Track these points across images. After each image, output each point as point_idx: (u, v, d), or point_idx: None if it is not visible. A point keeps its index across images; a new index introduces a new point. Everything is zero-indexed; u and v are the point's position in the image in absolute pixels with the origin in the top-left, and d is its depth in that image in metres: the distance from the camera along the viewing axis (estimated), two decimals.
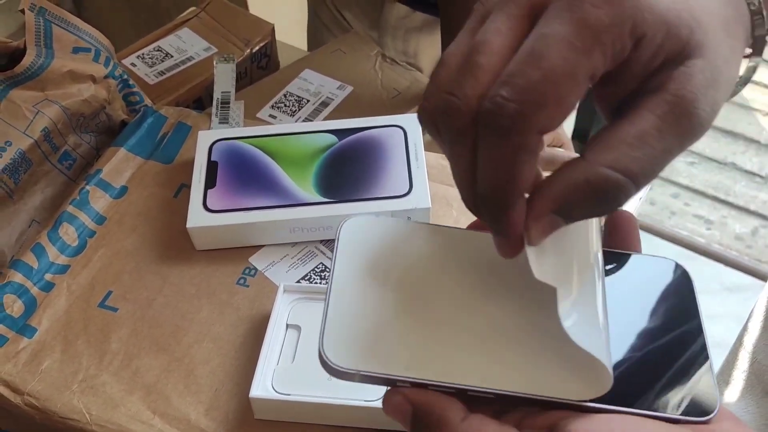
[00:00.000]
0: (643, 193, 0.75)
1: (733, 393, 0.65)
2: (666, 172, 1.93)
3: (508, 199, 0.28)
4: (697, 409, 0.30)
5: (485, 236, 0.33)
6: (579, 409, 0.29)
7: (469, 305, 0.33)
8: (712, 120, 0.29)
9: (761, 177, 1.93)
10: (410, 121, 0.65)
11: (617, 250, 0.35)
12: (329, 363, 0.30)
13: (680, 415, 0.29)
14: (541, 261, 0.30)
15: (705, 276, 1.67)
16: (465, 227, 0.37)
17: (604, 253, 0.33)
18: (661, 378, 0.31)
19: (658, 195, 1.90)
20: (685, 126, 0.28)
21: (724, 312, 1.39)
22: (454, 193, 0.64)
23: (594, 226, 0.33)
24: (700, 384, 0.31)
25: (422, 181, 0.60)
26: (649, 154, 0.27)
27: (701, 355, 0.32)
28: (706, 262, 1.70)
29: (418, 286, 0.33)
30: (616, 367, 0.31)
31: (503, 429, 0.27)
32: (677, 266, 0.35)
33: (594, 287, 0.32)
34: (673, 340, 0.32)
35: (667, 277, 0.35)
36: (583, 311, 0.30)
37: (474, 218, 0.33)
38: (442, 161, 0.67)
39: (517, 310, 0.33)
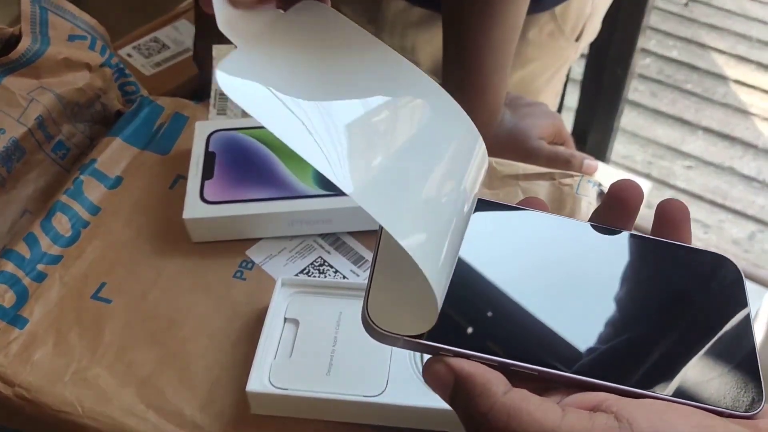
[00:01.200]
0: (646, 192, 0.75)
1: (763, 379, 0.65)
2: (664, 175, 1.93)
3: None
4: (743, 404, 0.30)
5: (545, 216, 0.35)
6: (623, 393, 0.29)
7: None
8: None
9: (759, 182, 1.93)
10: None
11: (667, 240, 0.35)
12: (373, 325, 0.30)
13: (725, 408, 0.29)
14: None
15: (749, 295, 1.66)
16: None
17: (656, 243, 0.34)
18: (708, 370, 0.31)
19: (655, 198, 1.89)
20: None
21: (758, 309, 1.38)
22: None
23: (474, 171, 0.35)
24: (746, 378, 0.31)
25: None
26: None
27: (748, 350, 0.32)
28: None
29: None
30: (664, 356, 0.31)
31: (545, 404, 0.27)
32: (728, 261, 0.35)
33: (450, 223, 0.33)
34: (720, 334, 0.32)
35: (717, 272, 0.35)
36: (431, 239, 0.31)
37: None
38: None
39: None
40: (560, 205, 0.61)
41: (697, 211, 1.86)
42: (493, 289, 0.33)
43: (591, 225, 0.35)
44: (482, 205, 0.36)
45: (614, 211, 0.34)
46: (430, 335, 0.30)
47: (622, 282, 0.34)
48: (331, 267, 0.58)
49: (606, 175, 0.75)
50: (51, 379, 0.50)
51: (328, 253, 0.59)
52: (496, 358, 0.30)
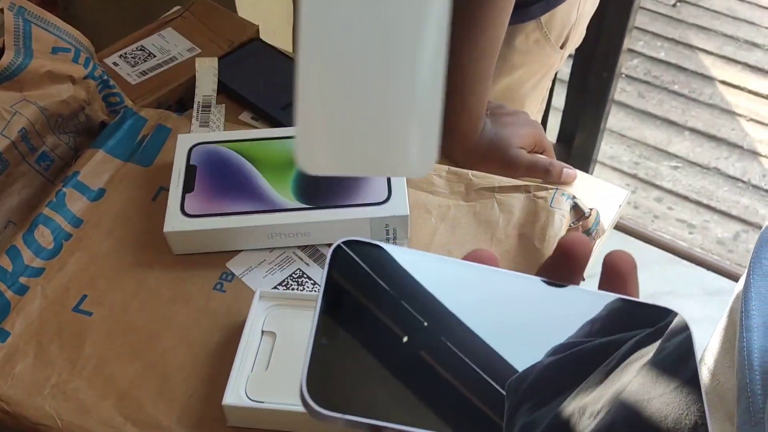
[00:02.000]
0: (623, 201, 0.76)
1: None
2: (650, 176, 1.94)
3: None
4: None
5: (487, 270, 0.33)
6: None
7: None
8: None
9: (744, 182, 1.94)
10: None
11: (612, 294, 0.33)
12: (311, 406, 0.27)
13: None
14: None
15: (686, 280, 1.68)
16: (459, 255, 0.35)
17: (599, 296, 0.33)
18: None
19: (641, 199, 1.91)
20: None
21: (705, 316, 1.40)
22: (434, 200, 0.65)
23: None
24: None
25: (401, 189, 0.60)
26: None
27: (696, 410, 0.29)
28: (688, 266, 1.71)
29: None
30: (607, 419, 0.29)
31: None
32: (674, 315, 0.33)
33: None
34: (666, 394, 0.30)
35: (664, 327, 0.32)
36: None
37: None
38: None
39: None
40: (534, 217, 0.62)
41: (682, 212, 1.88)
42: (431, 356, 0.30)
43: (534, 279, 0.33)
44: (424, 260, 0.33)
45: (562, 266, 0.33)
46: (378, 413, 0.27)
47: (563, 339, 0.31)
48: (310, 279, 0.59)
49: (585, 184, 0.76)
50: (31, 392, 0.51)
51: (307, 265, 0.60)
52: None
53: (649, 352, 0.31)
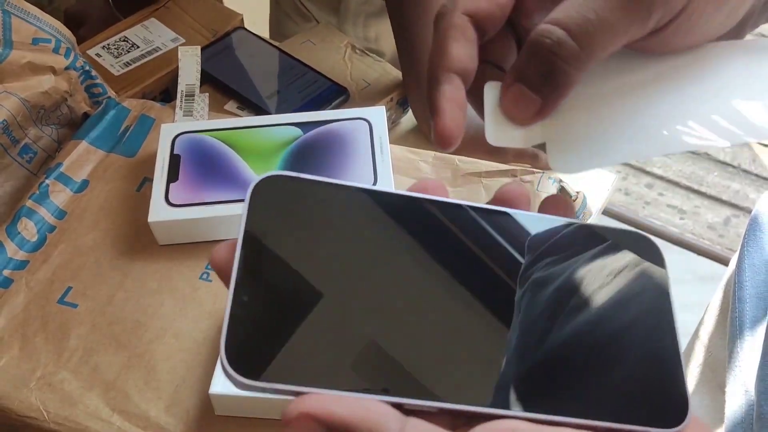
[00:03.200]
0: (611, 185, 0.76)
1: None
2: (640, 162, 1.94)
3: (436, 73, 0.30)
4: (665, 418, 0.26)
5: (430, 200, 0.29)
6: (534, 421, 0.25)
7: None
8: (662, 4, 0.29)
9: (734, 167, 1.95)
10: (375, 113, 0.64)
11: (577, 221, 0.31)
12: (232, 375, 0.24)
13: (644, 425, 0.26)
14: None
15: (678, 265, 1.69)
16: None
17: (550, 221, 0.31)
18: (622, 381, 0.27)
19: (632, 185, 1.91)
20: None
21: (697, 301, 1.40)
22: None
23: None
24: (668, 388, 0.27)
25: (387, 174, 0.60)
26: (584, 12, 0.29)
27: (671, 355, 0.28)
28: (680, 252, 1.72)
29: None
30: (573, 374, 0.27)
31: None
32: (648, 241, 0.31)
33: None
34: (639, 337, 0.28)
35: (637, 257, 0.30)
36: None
37: None
38: (408, 154, 0.66)
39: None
40: None
41: (673, 197, 1.88)
42: (373, 313, 0.27)
43: (480, 206, 0.30)
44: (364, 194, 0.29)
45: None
46: (302, 378, 0.24)
47: (523, 293, 0.29)
48: None
49: None
50: (16, 384, 0.51)
51: None
52: (387, 398, 0.25)
53: (619, 284, 0.29)
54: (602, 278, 0.29)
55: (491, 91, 0.32)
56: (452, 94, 0.31)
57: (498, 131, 0.32)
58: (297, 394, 0.24)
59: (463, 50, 0.31)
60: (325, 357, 0.25)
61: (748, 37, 0.36)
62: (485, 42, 0.33)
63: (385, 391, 0.25)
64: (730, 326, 0.61)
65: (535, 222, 0.30)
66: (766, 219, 0.61)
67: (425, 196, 0.30)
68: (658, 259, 0.30)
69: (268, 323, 0.25)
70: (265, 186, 0.27)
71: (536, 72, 0.30)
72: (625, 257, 0.30)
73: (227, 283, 0.26)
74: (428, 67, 0.31)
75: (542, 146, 0.32)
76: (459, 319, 0.28)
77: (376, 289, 0.27)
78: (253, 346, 0.24)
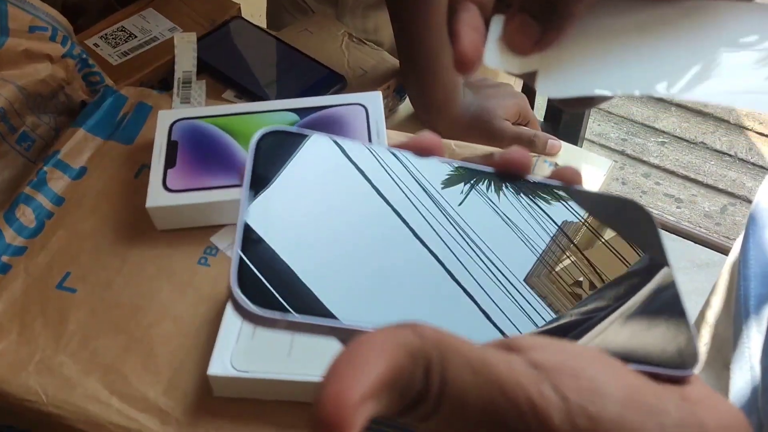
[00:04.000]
0: (607, 170, 0.76)
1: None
2: (637, 152, 1.95)
3: (454, 3, 0.31)
4: (674, 361, 0.26)
5: (424, 159, 0.30)
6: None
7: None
8: None
9: (730, 156, 1.95)
10: (372, 99, 0.65)
11: (570, 186, 0.32)
12: (244, 307, 0.23)
13: (656, 365, 0.25)
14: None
15: (675, 253, 1.68)
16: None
17: (549, 188, 0.31)
18: (631, 325, 0.27)
19: (629, 174, 1.91)
20: None
21: (694, 288, 1.41)
22: None
23: None
24: (676, 333, 0.27)
25: None
26: None
27: (674, 303, 0.28)
28: (676, 240, 1.72)
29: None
30: (579, 311, 0.27)
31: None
32: (636, 205, 0.32)
33: None
34: (641, 289, 0.28)
35: (627, 218, 0.31)
36: None
37: None
38: (404, 139, 0.66)
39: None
40: None
41: (670, 186, 1.88)
42: (376, 246, 0.27)
43: (481, 168, 0.31)
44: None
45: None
46: (311, 309, 0.24)
47: (527, 235, 0.30)
48: None
49: (570, 154, 0.76)
50: (15, 368, 0.51)
51: None
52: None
53: (616, 244, 0.30)
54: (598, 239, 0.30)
55: (497, 22, 0.33)
56: (469, 19, 0.32)
57: (496, 55, 0.33)
58: (312, 327, 0.24)
59: None
60: (335, 290, 0.25)
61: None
62: None
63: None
64: (735, 304, 0.61)
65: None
66: None
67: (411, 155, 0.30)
68: (647, 220, 0.31)
69: (280, 258, 0.25)
70: (270, 135, 0.28)
71: (539, 2, 0.31)
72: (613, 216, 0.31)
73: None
74: (449, 2, 0.32)
75: (532, 78, 0.33)
76: (462, 256, 0.28)
77: (377, 225, 0.28)
78: (265, 278, 0.24)
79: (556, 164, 0.63)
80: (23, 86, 0.65)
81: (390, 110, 0.81)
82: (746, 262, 0.61)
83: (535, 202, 0.31)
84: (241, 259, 0.24)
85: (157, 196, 0.59)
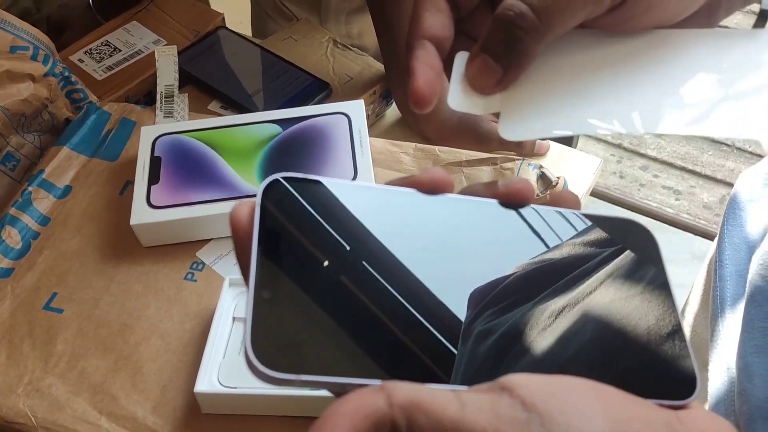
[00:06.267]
0: (597, 168, 0.76)
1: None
2: (634, 145, 1.94)
3: (411, 41, 0.33)
4: (674, 391, 0.26)
5: (435, 198, 0.30)
6: None
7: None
8: None
9: (728, 146, 1.94)
10: (354, 107, 0.65)
11: (572, 210, 0.32)
12: (260, 370, 0.24)
13: (653, 398, 0.25)
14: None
15: (674, 245, 1.69)
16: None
17: (558, 214, 0.31)
18: (629, 357, 0.27)
19: (627, 168, 1.91)
20: None
21: (693, 280, 1.41)
22: None
23: None
24: (673, 362, 0.27)
25: (367, 168, 0.60)
26: None
27: (674, 331, 0.28)
28: (676, 232, 1.71)
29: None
30: (576, 345, 0.27)
31: (438, 394, 0.24)
32: (640, 227, 0.32)
33: None
34: (640, 314, 0.29)
35: (632, 242, 0.31)
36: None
37: None
38: (388, 146, 0.66)
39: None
40: None
41: (668, 178, 1.88)
42: (389, 302, 0.27)
43: (489, 202, 0.31)
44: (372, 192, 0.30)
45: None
46: (337, 369, 0.25)
47: (527, 257, 0.30)
48: None
49: (559, 154, 0.76)
50: (4, 391, 0.51)
51: None
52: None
53: (616, 263, 0.30)
54: (601, 276, 0.30)
55: (460, 61, 0.34)
56: (425, 57, 0.33)
57: (459, 97, 0.34)
58: (324, 384, 0.25)
59: (435, 19, 0.33)
60: (348, 348, 0.26)
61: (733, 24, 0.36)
62: (465, 16, 0.35)
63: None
64: (712, 304, 0.61)
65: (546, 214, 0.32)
66: (745, 197, 0.61)
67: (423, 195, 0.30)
68: (650, 242, 0.31)
69: (291, 318, 0.25)
70: (273, 187, 0.28)
71: (499, 42, 0.32)
72: (622, 252, 0.31)
73: (243, 247, 0.26)
74: (405, 41, 0.33)
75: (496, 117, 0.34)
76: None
77: (389, 278, 0.28)
78: (278, 340, 0.25)
79: (541, 166, 0.62)
80: (6, 107, 0.64)
81: (377, 115, 0.81)
82: (722, 262, 0.60)
83: (541, 230, 0.31)
84: (253, 322, 0.24)
85: (141, 213, 0.59)
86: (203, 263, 0.59)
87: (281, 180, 0.28)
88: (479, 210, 0.31)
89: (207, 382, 0.50)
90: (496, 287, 0.29)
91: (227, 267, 0.59)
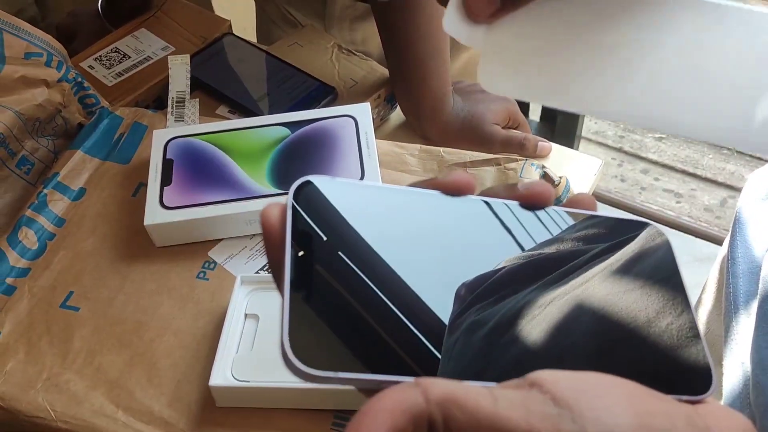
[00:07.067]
0: (598, 170, 0.77)
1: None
2: (635, 148, 1.96)
3: None
4: (690, 388, 0.27)
5: (458, 199, 0.31)
6: None
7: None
8: None
9: (728, 149, 1.96)
10: (361, 110, 0.66)
11: (587, 212, 0.32)
12: (298, 368, 0.25)
13: (672, 394, 0.26)
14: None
15: (676, 248, 1.70)
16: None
17: (568, 215, 0.32)
18: (643, 353, 0.28)
19: (628, 172, 1.92)
20: None
21: (696, 282, 1.42)
22: (407, 178, 0.66)
23: None
24: (689, 358, 0.28)
25: (374, 169, 0.62)
26: None
27: (689, 329, 0.29)
28: (677, 235, 1.73)
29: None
30: (585, 337, 0.28)
31: (472, 389, 0.25)
32: (653, 229, 0.32)
33: None
34: (653, 310, 0.29)
35: (646, 244, 0.32)
36: None
37: None
38: (394, 148, 0.68)
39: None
40: None
41: (669, 182, 1.89)
42: (421, 300, 0.28)
43: (509, 204, 0.32)
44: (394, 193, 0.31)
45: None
46: (372, 367, 0.25)
47: (548, 265, 0.30)
48: None
49: (561, 156, 0.78)
50: (23, 387, 0.53)
51: None
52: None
53: (620, 256, 0.31)
54: (612, 267, 0.31)
55: None
56: None
57: (452, 19, 0.34)
58: (360, 381, 0.25)
59: None
60: (382, 345, 0.26)
61: None
62: None
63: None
64: (725, 301, 0.62)
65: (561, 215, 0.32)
66: (757, 195, 0.62)
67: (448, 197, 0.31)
68: (664, 242, 0.32)
69: (326, 316, 0.26)
70: (304, 188, 0.29)
71: None
72: (633, 246, 0.32)
73: (274, 247, 0.27)
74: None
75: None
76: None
77: (416, 277, 0.29)
78: (314, 338, 0.25)
79: (544, 167, 0.64)
80: (21, 112, 0.66)
81: (381, 119, 0.83)
82: (734, 259, 0.62)
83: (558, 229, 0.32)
84: (290, 320, 0.25)
85: (154, 214, 0.60)
86: (215, 262, 0.61)
87: (311, 181, 0.29)
88: (499, 212, 0.31)
89: (221, 377, 0.51)
90: (484, 280, 0.30)
91: (239, 266, 0.60)
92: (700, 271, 1.64)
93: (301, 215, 0.28)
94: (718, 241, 1.71)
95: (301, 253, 0.27)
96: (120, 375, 0.54)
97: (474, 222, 0.31)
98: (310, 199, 0.28)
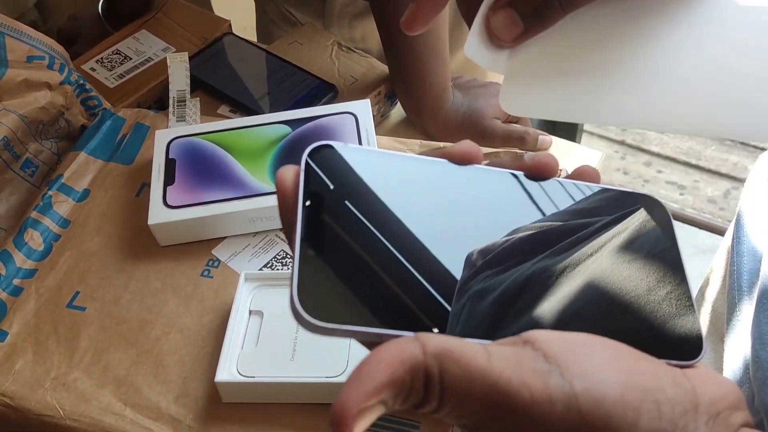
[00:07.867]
0: (598, 162, 0.78)
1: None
2: (638, 141, 1.96)
3: None
4: (680, 353, 0.28)
5: (463, 168, 0.32)
6: None
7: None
8: None
9: (731, 140, 1.96)
10: (361, 107, 0.67)
11: (585, 182, 0.33)
12: (306, 319, 0.26)
13: (662, 358, 0.27)
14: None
15: (679, 239, 1.70)
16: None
17: (577, 186, 0.33)
18: (638, 319, 0.29)
19: (631, 164, 1.92)
20: None
21: (700, 274, 1.42)
22: None
23: None
24: (681, 325, 0.29)
25: None
26: None
27: (682, 295, 0.30)
28: (681, 226, 1.73)
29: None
30: (585, 304, 0.29)
31: (467, 345, 0.26)
32: (653, 201, 0.33)
33: None
34: (650, 279, 0.30)
35: (642, 212, 0.33)
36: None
37: None
38: (394, 144, 0.68)
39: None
40: None
41: (672, 173, 1.89)
42: (427, 253, 0.29)
43: (514, 174, 0.33)
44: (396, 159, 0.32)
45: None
46: (377, 321, 0.27)
47: (549, 227, 0.31)
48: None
49: (561, 148, 0.78)
50: (32, 386, 0.53)
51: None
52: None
53: (622, 228, 0.32)
54: (615, 239, 0.32)
55: (485, 8, 0.35)
56: None
57: (474, 44, 0.35)
58: (363, 334, 0.27)
59: None
60: (386, 301, 0.28)
61: None
62: None
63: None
64: (729, 279, 0.63)
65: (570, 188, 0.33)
66: (764, 177, 0.63)
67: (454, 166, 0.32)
68: (663, 214, 0.33)
69: (334, 272, 0.27)
70: (318, 151, 0.30)
71: (529, 3, 0.34)
72: (635, 219, 0.33)
73: (287, 207, 0.28)
74: None
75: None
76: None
77: (423, 235, 0.30)
78: (321, 292, 0.27)
79: None
80: (24, 115, 0.67)
81: (382, 115, 0.83)
82: (739, 238, 0.62)
83: (563, 202, 0.32)
84: (299, 275, 0.26)
85: (158, 214, 0.61)
86: (219, 260, 0.61)
87: (327, 144, 0.30)
88: (505, 180, 0.33)
89: (227, 372, 0.51)
90: (493, 248, 0.31)
91: (242, 263, 0.61)
92: (703, 262, 1.64)
93: (315, 173, 0.29)
94: (722, 233, 1.70)
95: (312, 210, 0.28)
96: (127, 373, 0.54)
97: (483, 190, 0.32)
98: (324, 159, 0.30)
